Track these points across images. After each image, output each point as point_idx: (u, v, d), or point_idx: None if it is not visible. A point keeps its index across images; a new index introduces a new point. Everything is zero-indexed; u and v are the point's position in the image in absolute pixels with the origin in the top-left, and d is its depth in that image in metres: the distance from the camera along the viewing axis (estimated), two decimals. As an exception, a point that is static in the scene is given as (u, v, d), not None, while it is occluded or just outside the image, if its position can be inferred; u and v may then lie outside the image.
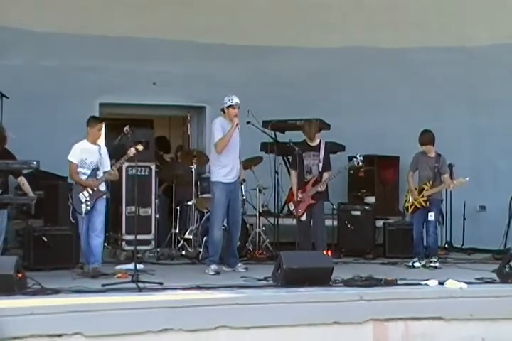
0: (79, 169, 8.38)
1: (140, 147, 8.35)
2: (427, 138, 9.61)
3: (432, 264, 9.41)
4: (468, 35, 11.71)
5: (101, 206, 8.41)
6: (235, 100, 8.80)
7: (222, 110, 8.88)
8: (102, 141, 12.16)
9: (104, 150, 8.57)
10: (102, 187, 8.45)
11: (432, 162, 9.62)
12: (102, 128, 8.56)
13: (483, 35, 11.63)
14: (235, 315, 6.74)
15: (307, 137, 9.64)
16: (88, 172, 8.40)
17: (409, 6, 11.89)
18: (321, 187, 9.39)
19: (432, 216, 9.50)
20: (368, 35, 11.97)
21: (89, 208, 8.26)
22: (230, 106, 8.78)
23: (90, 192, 8.32)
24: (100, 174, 8.44)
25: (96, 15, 11.41)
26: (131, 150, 8.35)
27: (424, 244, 9.59)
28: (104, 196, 8.48)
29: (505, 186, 11.01)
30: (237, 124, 8.75)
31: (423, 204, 9.54)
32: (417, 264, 9.46)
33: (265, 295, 7.09)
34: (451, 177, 11.00)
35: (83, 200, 8.27)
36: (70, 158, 8.41)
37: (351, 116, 11.94)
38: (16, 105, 10.48)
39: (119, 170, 8.80)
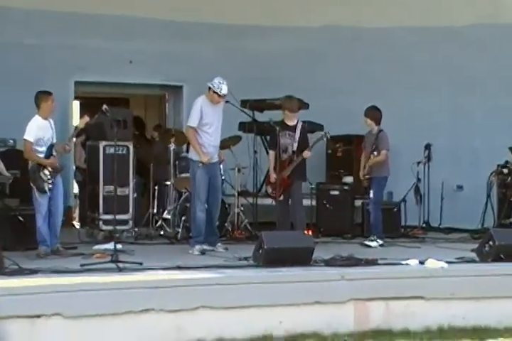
0: (35, 147, 8.20)
1: (87, 118, 8.29)
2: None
3: (365, 242, 9.42)
4: (449, 15, 11.64)
5: (60, 183, 8.31)
6: (224, 91, 8.56)
7: (209, 88, 8.65)
8: (76, 119, 12.23)
9: (53, 124, 8.39)
10: (59, 163, 8.34)
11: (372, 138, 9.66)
12: (54, 101, 8.36)
13: (464, 15, 11.58)
14: (216, 295, 6.72)
15: (288, 112, 9.45)
16: (44, 149, 8.24)
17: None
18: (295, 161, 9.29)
19: (371, 193, 9.54)
20: (347, 15, 11.85)
21: (51, 186, 8.15)
22: (215, 92, 8.57)
23: (50, 169, 8.18)
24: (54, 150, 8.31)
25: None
26: (81, 122, 8.29)
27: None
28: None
29: (483, 165, 11.01)
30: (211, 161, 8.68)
31: (364, 184, 9.63)
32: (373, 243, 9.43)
33: (246, 275, 7.06)
34: (429, 158, 11.10)
35: (45, 179, 8.13)
36: (26, 137, 8.18)
37: (330, 95, 11.85)
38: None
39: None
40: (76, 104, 12.63)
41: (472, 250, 8.20)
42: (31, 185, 8.18)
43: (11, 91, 10.95)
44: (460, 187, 11.76)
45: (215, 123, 8.73)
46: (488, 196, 10.61)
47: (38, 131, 8.22)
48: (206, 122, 8.70)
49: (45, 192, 8.13)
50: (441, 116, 11.85)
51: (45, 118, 8.32)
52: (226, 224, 10.00)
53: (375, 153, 9.61)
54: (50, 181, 8.15)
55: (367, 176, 9.64)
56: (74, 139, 8.55)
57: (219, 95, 8.60)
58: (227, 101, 9.28)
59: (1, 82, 10.92)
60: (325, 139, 9.59)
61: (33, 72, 11.16)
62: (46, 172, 8.16)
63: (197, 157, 8.70)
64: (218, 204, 8.91)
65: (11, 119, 10.32)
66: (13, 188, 9.41)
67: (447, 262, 7.67)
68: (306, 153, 9.32)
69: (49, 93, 8.37)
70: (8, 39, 11.05)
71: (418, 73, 11.90)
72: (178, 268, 7.20)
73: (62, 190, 8.37)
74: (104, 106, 8.22)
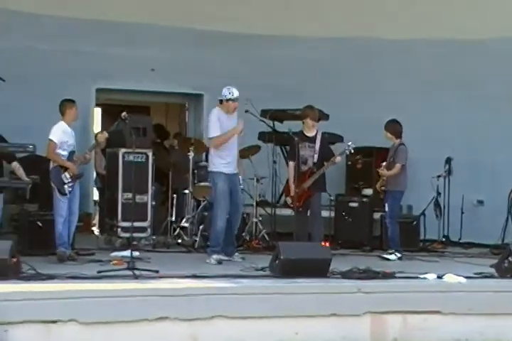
0: (58, 150, 8.34)
1: (106, 134, 8.63)
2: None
3: (384, 255, 9.38)
4: (470, 29, 11.56)
5: (77, 190, 8.41)
6: (235, 94, 8.57)
7: (220, 101, 8.68)
8: (98, 126, 12.30)
9: (73, 134, 8.57)
10: (79, 170, 8.45)
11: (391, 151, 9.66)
12: (77, 108, 8.57)
13: (483, 29, 11.49)
14: (232, 305, 6.67)
15: (310, 120, 9.40)
16: (66, 154, 8.37)
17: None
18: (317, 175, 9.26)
19: (386, 207, 9.50)
20: (366, 26, 11.89)
21: (71, 189, 8.25)
22: (229, 99, 8.58)
23: (71, 173, 8.29)
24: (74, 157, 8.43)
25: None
26: (101, 137, 8.57)
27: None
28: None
29: (504, 180, 10.92)
30: (241, 131, 8.60)
31: (381, 196, 9.62)
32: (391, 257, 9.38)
33: (262, 285, 7.02)
34: (449, 171, 11.03)
35: (66, 181, 8.25)
36: (52, 137, 8.34)
37: (350, 107, 11.85)
38: (11, 88, 10.36)
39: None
40: (98, 111, 12.68)
41: (491, 265, 8.12)
42: (52, 186, 8.26)
43: (32, 98, 11.04)
44: (480, 202, 11.67)
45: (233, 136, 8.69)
46: (509, 211, 10.52)
47: (62, 134, 8.38)
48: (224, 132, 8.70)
49: (65, 194, 8.23)
50: (461, 129, 11.74)
51: (69, 125, 8.47)
52: (244, 234, 9.98)
53: (384, 163, 9.57)
54: (70, 184, 8.25)
55: (383, 188, 9.58)
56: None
57: (232, 100, 8.59)
58: (246, 111, 9.28)
59: (23, 88, 10.99)
60: (348, 152, 9.56)
61: (55, 78, 11.24)
62: (67, 175, 8.28)
63: (217, 168, 8.67)
64: (239, 215, 8.90)
65: (31, 125, 10.39)
66: (32, 193, 9.45)
67: (466, 277, 7.59)
68: (338, 159, 9.31)
69: (73, 101, 8.56)
70: (28, 44, 11.15)
71: (437, 86, 11.83)
72: (195, 276, 7.18)
73: (79, 198, 8.45)
74: (123, 114, 8.26)
